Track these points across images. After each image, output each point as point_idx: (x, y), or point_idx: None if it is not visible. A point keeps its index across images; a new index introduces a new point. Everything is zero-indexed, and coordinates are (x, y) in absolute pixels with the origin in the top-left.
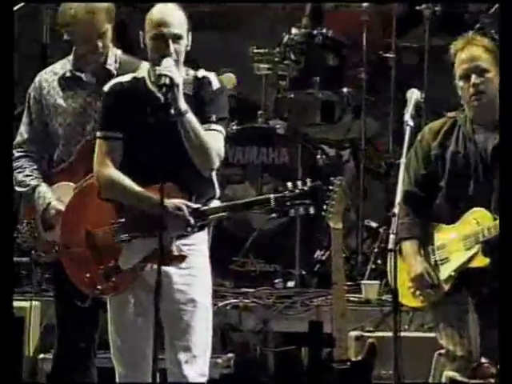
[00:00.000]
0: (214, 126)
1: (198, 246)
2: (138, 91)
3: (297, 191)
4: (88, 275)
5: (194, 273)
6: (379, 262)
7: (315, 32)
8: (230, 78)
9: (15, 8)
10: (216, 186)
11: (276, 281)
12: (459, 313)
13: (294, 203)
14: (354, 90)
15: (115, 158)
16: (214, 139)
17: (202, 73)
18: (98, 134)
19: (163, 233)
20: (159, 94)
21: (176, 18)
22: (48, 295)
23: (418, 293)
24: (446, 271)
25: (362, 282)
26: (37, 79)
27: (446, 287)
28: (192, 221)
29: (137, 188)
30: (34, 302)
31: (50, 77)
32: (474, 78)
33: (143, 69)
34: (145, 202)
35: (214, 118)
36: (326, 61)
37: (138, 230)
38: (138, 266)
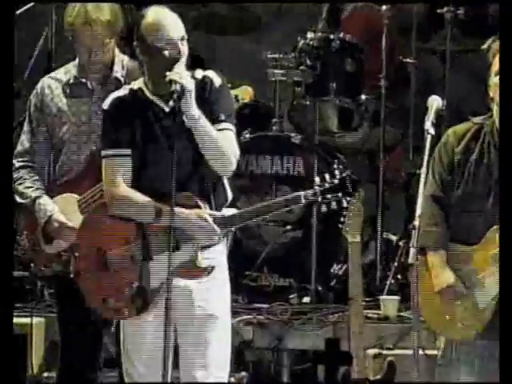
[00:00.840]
0: (224, 125)
1: (217, 259)
2: (139, 103)
3: (326, 185)
4: (109, 300)
5: (213, 287)
6: (399, 276)
7: (332, 36)
8: (246, 91)
9: (19, 11)
10: (228, 189)
11: (291, 296)
12: None
13: (325, 198)
14: (373, 96)
15: (125, 176)
16: (228, 139)
17: (200, 73)
18: (103, 153)
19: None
20: (159, 102)
21: (176, 20)
22: (52, 311)
23: (449, 308)
24: (483, 298)
25: (381, 297)
26: (38, 85)
27: (488, 317)
28: (218, 230)
29: (152, 203)
30: (37, 318)
31: (53, 83)
32: None
33: (138, 80)
34: (163, 216)
35: (222, 116)
36: (344, 66)
37: (159, 245)
38: (164, 284)
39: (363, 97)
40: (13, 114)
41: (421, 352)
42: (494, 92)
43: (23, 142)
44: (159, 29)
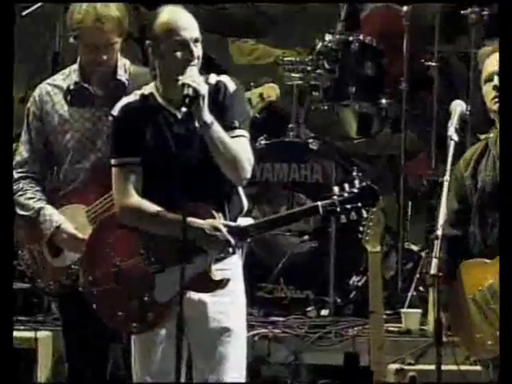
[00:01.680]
0: (238, 132)
1: (232, 270)
2: (149, 109)
3: (346, 195)
4: (121, 313)
5: (229, 300)
6: (421, 288)
7: (351, 38)
8: (272, 89)
9: (25, 12)
10: (243, 198)
11: (308, 309)
12: None
13: (344, 208)
14: (394, 101)
15: (136, 185)
16: (243, 146)
17: (214, 77)
18: (113, 161)
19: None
20: (171, 108)
21: (191, 21)
22: (59, 324)
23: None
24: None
25: (402, 310)
26: (36, 93)
27: None
28: (233, 240)
29: (165, 213)
30: (44, 332)
31: (51, 89)
32: (496, 80)
33: (149, 84)
34: (176, 227)
35: (236, 123)
36: (363, 69)
37: (171, 257)
38: (177, 297)
39: (383, 101)
40: (12, 118)
41: (443, 367)
42: (489, 101)
43: (22, 152)
44: (172, 29)
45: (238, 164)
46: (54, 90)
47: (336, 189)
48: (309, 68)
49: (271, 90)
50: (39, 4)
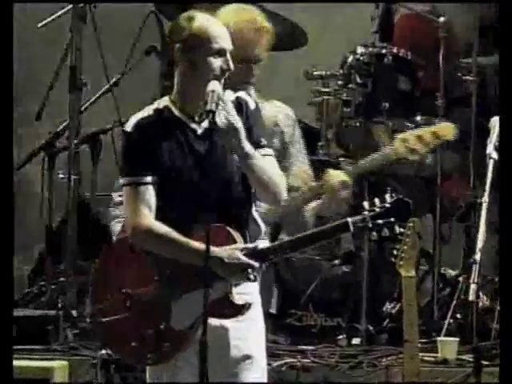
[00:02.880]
0: (266, 151)
1: (252, 295)
2: (166, 123)
3: (377, 209)
4: (134, 344)
5: (249, 325)
6: (458, 315)
7: (384, 51)
8: (449, 128)
9: (41, 24)
10: (259, 221)
11: (339, 337)
12: None
13: (376, 224)
14: (429, 117)
15: (150, 206)
16: (275, 167)
17: (231, 94)
18: (125, 180)
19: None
20: (190, 123)
21: (226, 31)
22: (77, 353)
23: None
24: None
25: (439, 338)
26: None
27: None
28: (256, 264)
29: (182, 239)
30: (59, 362)
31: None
32: None
33: (163, 98)
34: (194, 255)
35: (263, 141)
36: (397, 84)
37: (189, 282)
38: (195, 324)
39: (418, 118)
40: (12, 119)
41: None
42: None
43: None
44: (210, 35)
45: (276, 187)
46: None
47: (366, 204)
48: (339, 82)
49: (447, 129)
50: (55, 16)
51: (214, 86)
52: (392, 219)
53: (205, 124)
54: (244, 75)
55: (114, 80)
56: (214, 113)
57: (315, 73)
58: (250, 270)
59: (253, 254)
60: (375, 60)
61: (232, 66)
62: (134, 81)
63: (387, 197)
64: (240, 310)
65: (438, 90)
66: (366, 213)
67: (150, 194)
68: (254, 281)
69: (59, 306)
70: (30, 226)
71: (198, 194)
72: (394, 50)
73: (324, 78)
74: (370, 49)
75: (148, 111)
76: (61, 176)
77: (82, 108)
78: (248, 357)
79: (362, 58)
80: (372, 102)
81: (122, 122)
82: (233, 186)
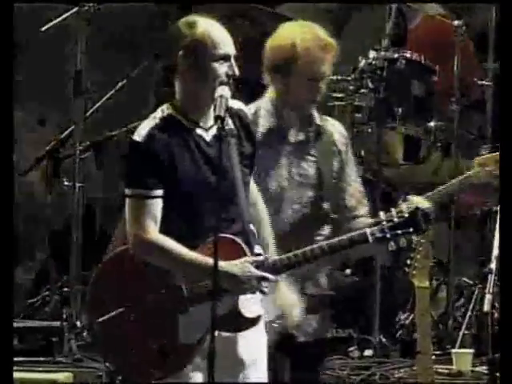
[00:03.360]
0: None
1: (259, 305)
2: (175, 132)
3: (395, 220)
4: (137, 359)
5: (257, 337)
6: (473, 326)
7: (397, 55)
8: (495, 161)
9: (44, 28)
10: (255, 231)
11: (351, 349)
12: None
13: (395, 234)
14: (444, 123)
15: (156, 220)
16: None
17: (235, 103)
18: (131, 191)
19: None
20: (198, 130)
21: (230, 37)
22: (81, 365)
23: None
24: None
25: (453, 350)
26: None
27: None
28: (270, 276)
29: (187, 253)
30: (64, 374)
31: None
32: None
33: (164, 105)
34: (200, 270)
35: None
36: (410, 89)
37: (196, 295)
38: (203, 338)
39: (432, 124)
40: (12, 119)
41: None
42: None
43: None
44: (215, 41)
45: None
46: None
47: (382, 214)
48: (351, 87)
49: (492, 161)
50: (59, 19)
51: (223, 91)
52: (411, 229)
53: (213, 131)
54: (310, 93)
55: (119, 85)
56: (223, 119)
57: None
58: (262, 283)
59: (264, 266)
60: (387, 64)
61: (237, 71)
62: (140, 86)
63: (404, 206)
64: (251, 323)
65: (453, 94)
66: (384, 223)
67: (157, 207)
68: (266, 294)
69: (63, 316)
70: (34, 235)
71: (208, 203)
72: (407, 54)
73: (335, 83)
74: (382, 53)
75: (155, 120)
76: (66, 183)
77: (87, 114)
78: (254, 367)
79: (374, 63)
80: (384, 108)
81: (127, 130)
82: (239, 194)
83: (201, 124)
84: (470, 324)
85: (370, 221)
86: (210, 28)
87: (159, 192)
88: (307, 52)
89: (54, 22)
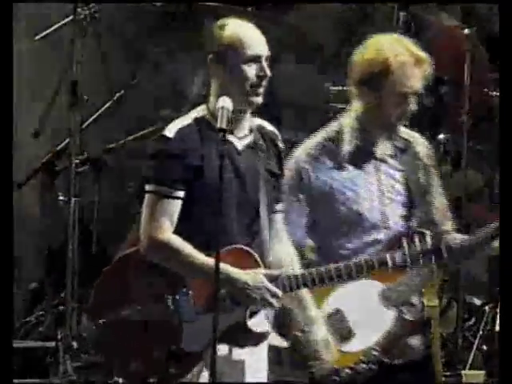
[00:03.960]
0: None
1: (266, 321)
2: (207, 135)
3: (418, 248)
4: (136, 364)
5: (264, 354)
6: (484, 347)
7: None
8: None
9: (38, 36)
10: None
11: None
12: None
13: (416, 263)
14: (454, 135)
15: (173, 221)
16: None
17: (259, 122)
18: (152, 187)
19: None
20: (229, 136)
21: (260, 36)
22: None
23: None
24: None
25: (464, 372)
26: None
27: None
28: (279, 292)
29: (201, 258)
30: None
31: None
32: None
33: (200, 106)
34: (211, 276)
35: None
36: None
37: (204, 302)
38: (207, 350)
39: (442, 135)
40: (12, 120)
41: None
42: None
43: None
44: (244, 42)
45: None
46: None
47: (405, 242)
48: None
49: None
50: (54, 27)
51: (224, 102)
52: (432, 260)
53: (246, 140)
54: (400, 108)
55: (117, 95)
56: (225, 131)
57: (332, 88)
58: (272, 298)
59: (277, 281)
60: None
61: (268, 71)
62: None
63: (428, 237)
64: (256, 338)
65: (463, 106)
66: (406, 250)
67: (176, 208)
68: (275, 308)
69: (58, 337)
70: (28, 252)
71: (228, 212)
72: None
73: (341, 93)
74: None
75: (188, 120)
76: (61, 198)
77: (84, 125)
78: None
79: None
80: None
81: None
82: (261, 210)
83: (234, 131)
84: (480, 344)
85: (459, 236)
86: (239, 29)
87: (181, 193)
88: (401, 66)
89: (48, 30)
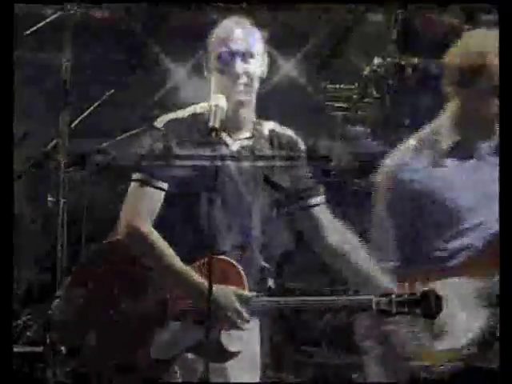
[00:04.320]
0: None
1: (248, 334)
2: (200, 132)
3: (405, 296)
4: (111, 362)
5: (244, 367)
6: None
7: (404, 62)
8: None
9: (28, 31)
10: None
11: (354, 376)
12: None
13: (400, 311)
14: None
15: (153, 214)
16: None
17: (273, 126)
18: (137, 176)
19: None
20: (225, 137)
21: (248, 32)
22: None
23: None
24: None
25: None
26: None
27: None
28: (247, 317)
29: (178, 265)
30: None
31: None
32: None
33: (200, 103)
34: (187, 286)
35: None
36: (419, 99)
37: (180, 310)
38: (177, 357)
39: None
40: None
41: None
42: None
43: None
44: (222, 38)
45: None
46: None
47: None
48: (355, 96)
49: None
50: (44, 22)
51: (217, 99)
52: (418, 311)
53: (242, 143)
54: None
55: (107, 94)
56: (217, 131)
57: (329, 86)
58: (239, 320)
59: (248, 303)
60: (394, 72)
61: (243, 70)
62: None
63: (418, 285)
64: (229, 356)
65: None
66: (393, 296)
67: (158, 198)
68: (243, 330)
69: (47, 341)
70: (17, 254)
71: (215, 218)
72: (415, 61)
73: (338, 92)
74: (388, 59)
75: (183, 113)
76: (50, 199)
77: (72, 125)
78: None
79: (379, 70)
80: (390, 118)
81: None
82: (254, 221)
83: (231, 131)
84: None
85: None
86: (224, 25)
87: (164, 185)
88: (495, 61)
89: (37, 26)
